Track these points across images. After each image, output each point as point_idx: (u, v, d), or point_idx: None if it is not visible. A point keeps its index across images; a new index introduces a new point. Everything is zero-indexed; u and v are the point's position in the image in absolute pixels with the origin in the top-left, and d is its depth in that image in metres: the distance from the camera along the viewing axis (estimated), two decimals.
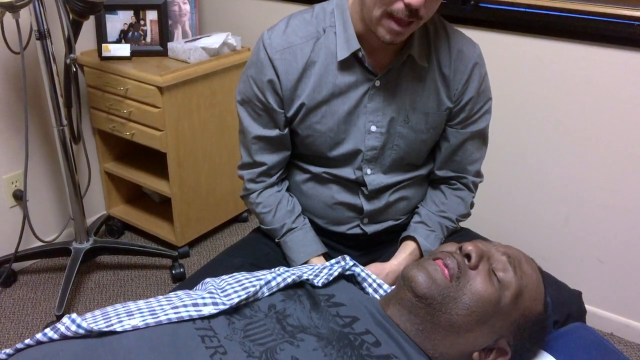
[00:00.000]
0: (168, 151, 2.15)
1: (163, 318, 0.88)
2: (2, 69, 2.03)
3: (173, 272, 2.22)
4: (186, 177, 2.26)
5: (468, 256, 0.97)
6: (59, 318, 1.92)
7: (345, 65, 1.20)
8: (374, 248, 1.40)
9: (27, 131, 1.87)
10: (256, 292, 0.96)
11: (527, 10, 1.80)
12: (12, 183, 2.16)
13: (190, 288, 1.08)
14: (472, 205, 1.39)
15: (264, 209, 1.33)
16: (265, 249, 1.35)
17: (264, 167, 1.31)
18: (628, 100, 1.73)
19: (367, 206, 1.31)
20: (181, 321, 0.89)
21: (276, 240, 1.34)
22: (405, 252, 1.31)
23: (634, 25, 1.65)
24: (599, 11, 1.68)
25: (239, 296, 0.94)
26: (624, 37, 1.67)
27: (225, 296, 0.95)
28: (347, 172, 1.29)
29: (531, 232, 2.05)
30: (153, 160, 2.42)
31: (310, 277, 1.01)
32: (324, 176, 1.31)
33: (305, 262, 1.29)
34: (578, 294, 1.26)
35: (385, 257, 1.34)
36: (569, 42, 1.76)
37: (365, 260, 1.35)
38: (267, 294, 0.97)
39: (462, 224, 1.41)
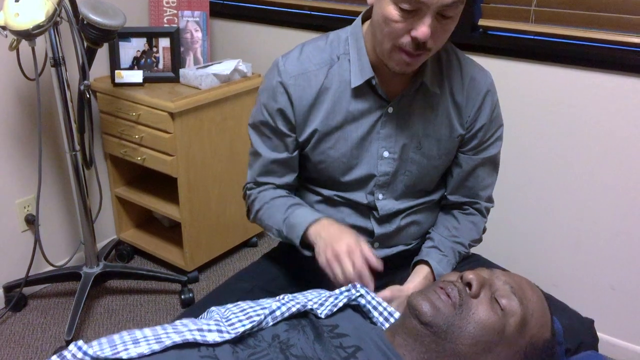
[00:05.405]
0: (179, 176, 2.16)
1: (168, 342, 0.88)
2: (17, 95, 2.06)
3: (182, 297, 2.22)
4: (196, 202, 2.27)
5: (469, 285, 0.96)
6: (68, 343, 1.91)
7: (358, 92, 1.21)
8: (384, 272, 1.39)
9: (40, 156, 1.89)
10: (260, 322, 0.96)
11: (534, 37, 1.82)
12: (24, 207, 2.18)
13: (198, 313, 1.08)
14: (484, 230, 1.39)
15: (263, 199, 1.29)
16: (275, 273, 1.35)
17: (269, 187, 1.33)
18: (639, 127, 1.73)
19: (378, 230, 1.31)
20: (186, 347, 0.89)
21: (277, 229, 1.27)
22: (419, 275, 1.29)
23: (638, 52, 1.67)
24: (607, 39, 1.69)
25: (244, 325, 0.94)
26: (633, 64, 1.68)
27: (229, 325, 0.94)
28: (359, 197, 1.29)
29: (542, 258, 2.04)
30: (163, 185, 2.43)
31: (315, 306, 1.01)
32: (336, 199, 1.31)
33: (316, 220, 1.21)
34: (590, 322, 1.25)
35: (396, 282, 1.33)
36: (577, 69, 1.78)
37: (374, 284, 1.34)
38: (271, 323, 0.97)
39: (473, 250, 1.40)
